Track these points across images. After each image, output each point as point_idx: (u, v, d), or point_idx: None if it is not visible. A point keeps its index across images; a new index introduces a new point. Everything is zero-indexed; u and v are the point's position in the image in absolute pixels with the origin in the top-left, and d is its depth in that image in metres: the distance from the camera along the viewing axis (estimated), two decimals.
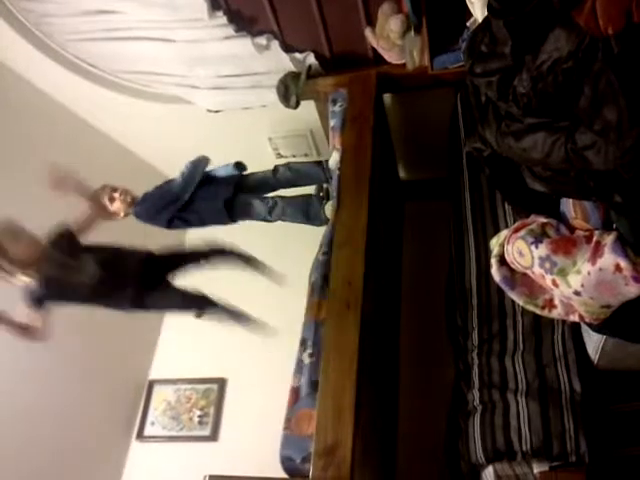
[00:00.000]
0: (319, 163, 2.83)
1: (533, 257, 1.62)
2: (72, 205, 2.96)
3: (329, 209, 2.55)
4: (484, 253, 2.38)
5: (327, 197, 2.75)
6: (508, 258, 1.74)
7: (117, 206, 2.81)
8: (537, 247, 1.61)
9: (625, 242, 1.49)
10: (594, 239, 1.55)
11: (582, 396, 1.92)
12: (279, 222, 2.87)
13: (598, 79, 1.24)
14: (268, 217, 2.79)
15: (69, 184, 2.66)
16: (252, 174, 2.95)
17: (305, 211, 2.73)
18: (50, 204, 3.06)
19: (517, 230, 1.72)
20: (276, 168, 2.92)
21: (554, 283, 1.60)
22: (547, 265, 1.59)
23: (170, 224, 2.87)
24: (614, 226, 1.64)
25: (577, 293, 1.56)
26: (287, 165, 2.92)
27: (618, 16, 1.22)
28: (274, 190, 2.91)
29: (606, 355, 1.91)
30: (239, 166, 2.94)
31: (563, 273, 1.58)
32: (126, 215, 2.86)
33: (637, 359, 1.90)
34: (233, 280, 3.66)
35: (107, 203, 2.79)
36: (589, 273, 1.51)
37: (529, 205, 1.81)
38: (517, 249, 1.68)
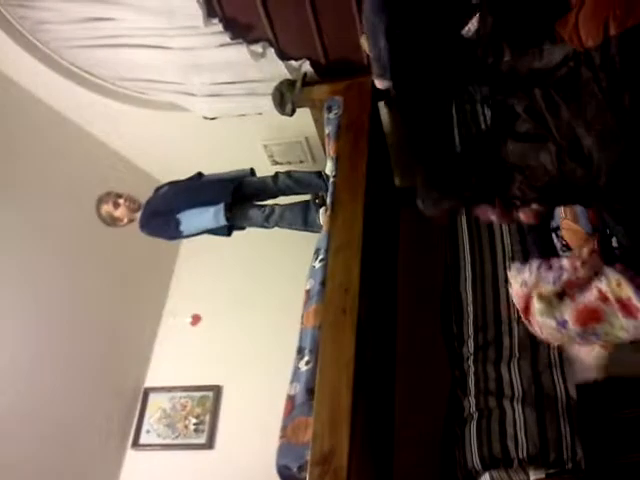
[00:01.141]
0: (319, 174, 2.83)
1: (571, 336, 1.64)
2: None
3: (323, 216, 2.55)
4: (479, 260, 2.39)
5: (323, 203, 2.75)
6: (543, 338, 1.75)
7: (121, 212, 2.84)
8: (566, 328, 1.62)
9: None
10: (610, 298, 1.55)
11: (578, 403, 1.92)
12: (272, 232, 2.87)
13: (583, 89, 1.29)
14: (265, 224, 2.80)
15: None
16: (252, 180, 2.94)
17: (304, 217, 2.73)
18: (48, 210, 3.08)
19: (527, 309, 1.71)
20: (277, 175, 2.92)
21: (605, 342, 1.66)
22: (588, 336, 1.62)
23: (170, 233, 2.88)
24: (607, 231, 1.66)
25: (633, 342, 1.63)
26: (288, 173, 2.93)
27: (596, 30, 1.26)
28: (273, 197, 2.91)
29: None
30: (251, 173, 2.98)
31: (608, 334, 1.61)
32: (130, 221, 2.87)
33: (630, 366, 1.91)
34: (229, 289, 3.70)
35: (111, 209, 2.83)
36: (635, 327, 1.55)
37: None
38: (550, 335, 1.69)
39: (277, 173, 2.94)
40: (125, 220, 2.88)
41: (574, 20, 1.30)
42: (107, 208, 2.86)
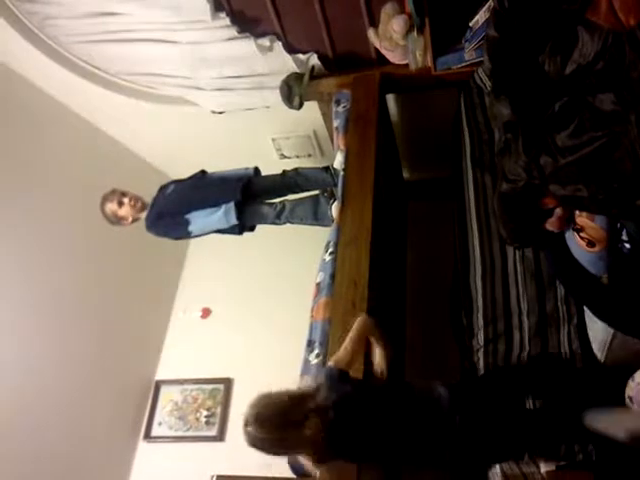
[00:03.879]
0: (327, 169, 2.82)
1: None
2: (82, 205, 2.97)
3: (335, 209, 2.55)
4: (488, 253, 2.38)
5: (332, 197, 2.75)
6: None
7: (125, 211, 2.82)
8: None
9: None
10: None
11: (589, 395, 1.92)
12: (282, 225, 2.86)
13: (630, 72, 1.25)
14: (277, 220, 2.78)
15: None
16: (260, 178, 2.93)
17: (314, 211, 2.71)
18: (59, 205, 3.10)
19: None
20: (284, 173, 2.91)
21: None
22: None
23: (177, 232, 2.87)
24: (618, 225, 1.65)
25: None
26: (295, 170, 2.91)
27: (638, 5, 1.22)
28: (281, 195, 2.89)
29: (612, 353, 1.91)
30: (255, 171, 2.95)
31: None
32: (134, 220, 2.86)
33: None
34: (238, 282, 3.71)
35: (116, 207, 2.81)
36: None
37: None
38: None
39: (285, 171, 2.93)
40: (130, 219, 2.86)
41: (607, 2, 1.25)
42: (111, 207, 2.83)
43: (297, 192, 2.90)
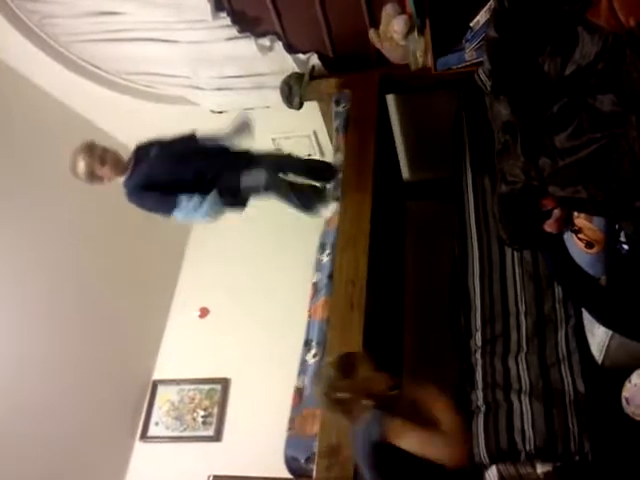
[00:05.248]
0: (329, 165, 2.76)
1: None
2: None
3: (330, 210, 2.53)
4: (487, 253, 2.39)
5: (329, 195, 2.70)
6: None
7: (105, 171, 2.47)
8: None
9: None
10: None
11: (586, 397, 1.92)
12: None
13: (630, 72, 1.25)
14: (268, 189, 2.54)
15: None
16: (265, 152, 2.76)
17: (309, 199, 2.58)
18: (56, 203, 3.10)
19: None
20: (290, 155, 2.81)
21: None
22: None
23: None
24: (616, 227, 1.65)
25: None
26: (299, 158, 2.82)
27: (638, 6, 1.22)
28: (282, 170, 2.62)
29: (610, 355, 1.91)
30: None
31: None
32: (108, 181, 2.52)
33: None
34: (237, 282, 3.71)
35: (96, 164, 2.45)
36: None
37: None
38: None
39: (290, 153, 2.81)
40: (105, 181, 2.50)
41: (607, 3, 1.26)
42: (90, 162, 2.43)
43: (297, 174, 2.69)
